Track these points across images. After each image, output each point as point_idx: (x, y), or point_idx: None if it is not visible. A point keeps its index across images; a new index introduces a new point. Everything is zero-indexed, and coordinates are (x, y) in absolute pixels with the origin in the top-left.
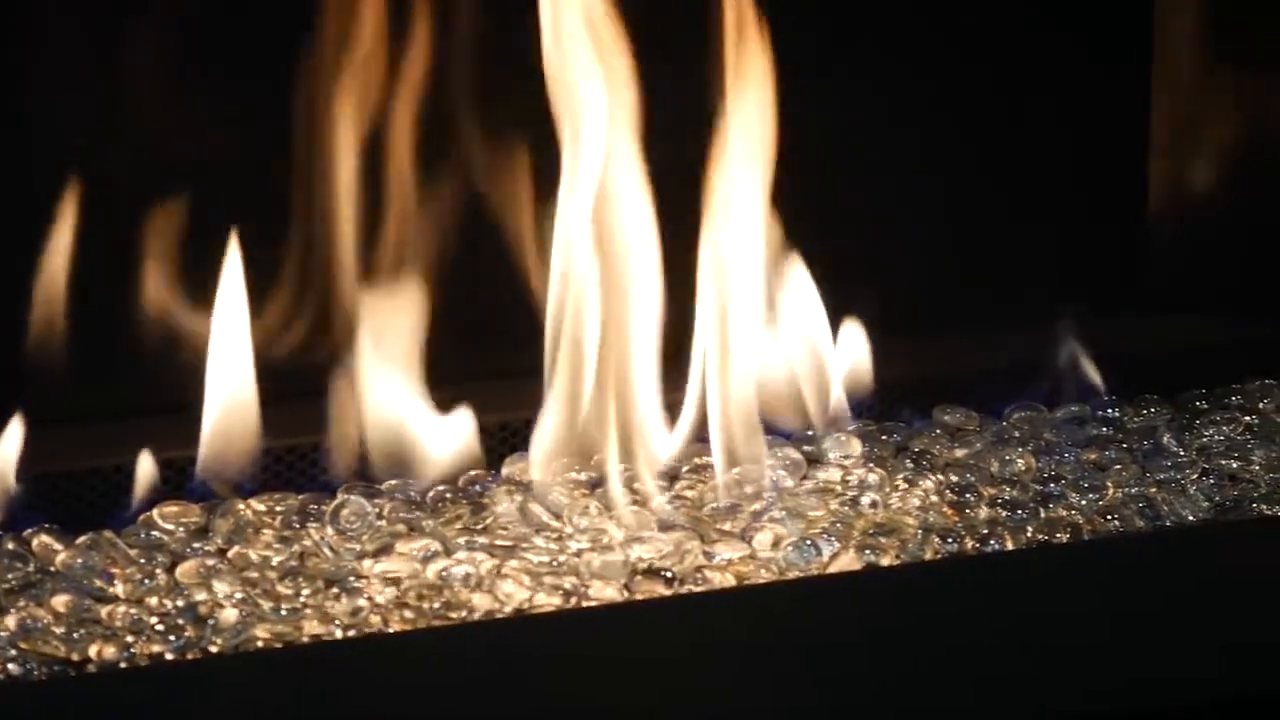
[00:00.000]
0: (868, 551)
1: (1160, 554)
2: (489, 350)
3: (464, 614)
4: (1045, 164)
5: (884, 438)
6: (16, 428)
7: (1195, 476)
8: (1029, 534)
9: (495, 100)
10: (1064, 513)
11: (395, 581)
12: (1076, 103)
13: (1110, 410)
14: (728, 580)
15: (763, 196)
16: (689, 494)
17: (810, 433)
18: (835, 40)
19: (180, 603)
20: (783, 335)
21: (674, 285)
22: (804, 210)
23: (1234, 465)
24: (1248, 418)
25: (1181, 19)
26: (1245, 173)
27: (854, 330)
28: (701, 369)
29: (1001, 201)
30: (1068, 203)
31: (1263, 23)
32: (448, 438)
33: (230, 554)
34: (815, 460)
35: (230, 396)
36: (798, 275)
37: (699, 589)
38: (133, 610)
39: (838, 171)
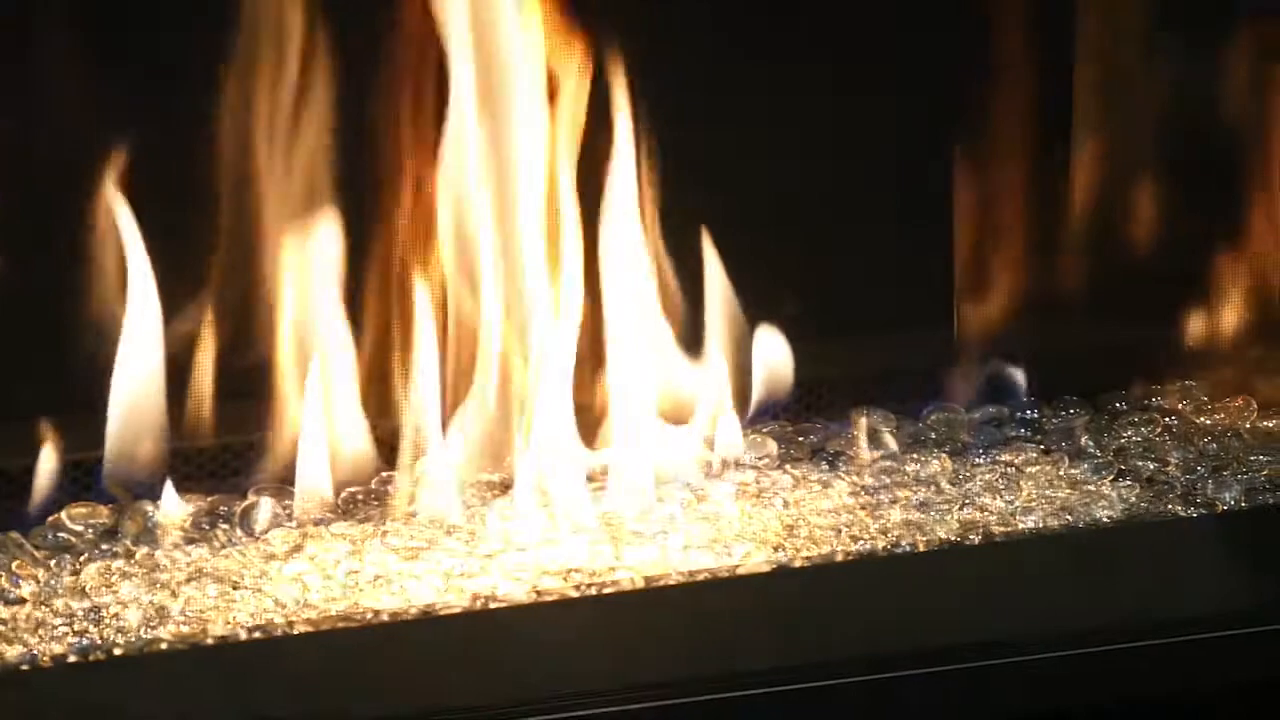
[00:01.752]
0: (778, 552)
1: (1073, 553)
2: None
3: (370, 614)
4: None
5: (800, 439)
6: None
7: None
8: (942, 536)
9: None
10: (977, 514)
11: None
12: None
13: (1029, 412)
14: (637, 581)
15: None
16: (600, 495)
17: (728, 434)
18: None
19: (86, 604)
20: (701, 339)
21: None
22: (721, 216)
23: (1151, 466)
24: (1167, 419)
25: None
26: (1164, 184)
27: (771, 332)
28: (613, 378)
29: (924, 208)
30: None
31: None
32: (354, 442)
33: (138, 556)
34: (732, 462)
35: (138, 396)
36: (715, 280)
37: (608, 590)
38: (37, 612)
39: (759, 183)
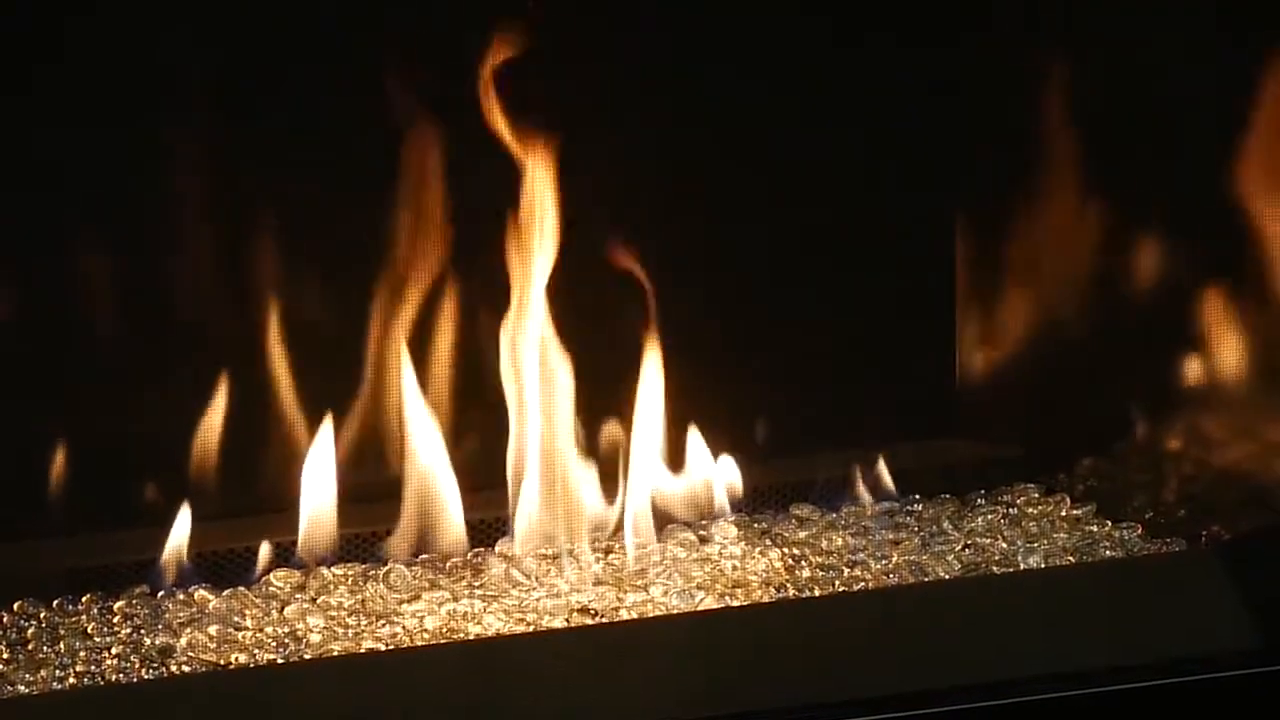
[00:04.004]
0: (725, 597)
1: (919, 599)
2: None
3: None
4: (874, 327)
5: (754, 525)
6: (185, 521)
7: (958, 549)
8: (834, 587)
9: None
10: (860, 572)
11: (421, 618)
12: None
13: (915, 506)
14: (633, 615)
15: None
16: (614, 561)
17: (704, 522)
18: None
19: (285, 629)
20: (684, 455)
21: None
22: (701, 365)
23: (986, 541)
24: (1008, 510)
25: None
26: (1028, 340)
27: (735, 450)
28: (621, 484)
29: (849, 353)
30: (896, 355)
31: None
32: (458, 526)
33: (318, 601)
34: (705, 540)
35: (317, 500)
36: (696, 412)
37: (615, 621)
38: (257, 635)
39: (725, 335)
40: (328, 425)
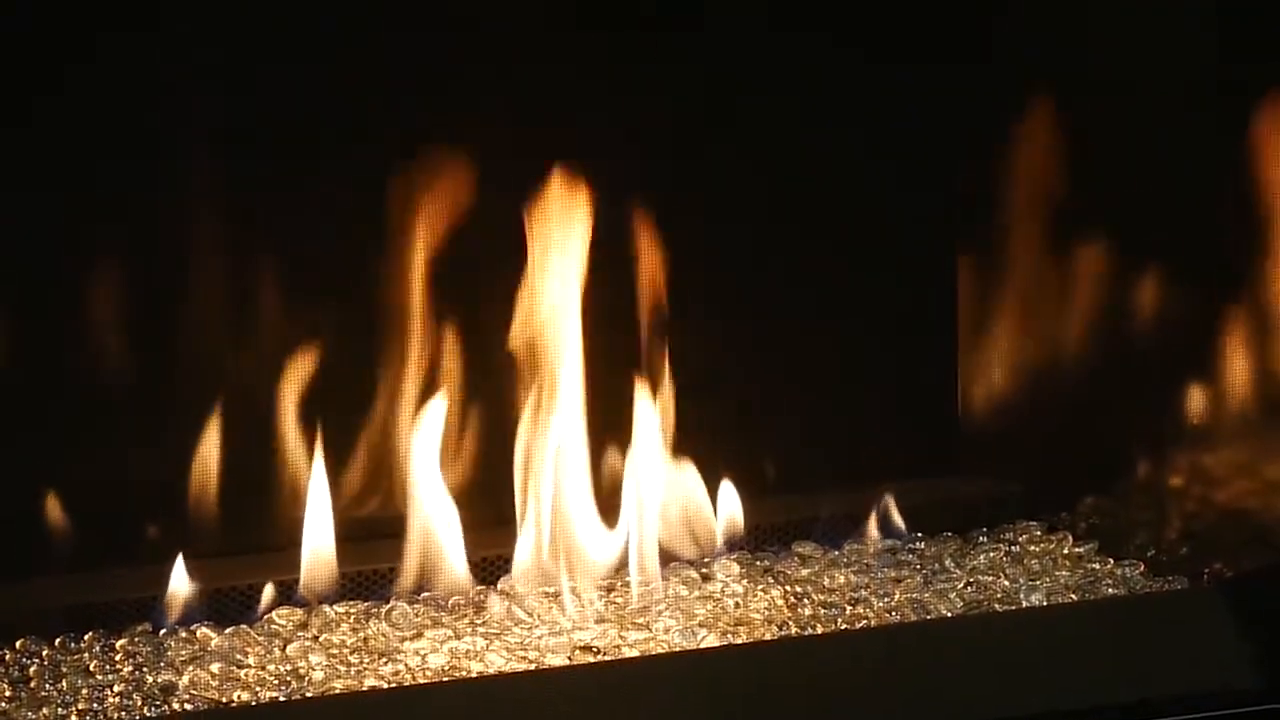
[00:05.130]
0: (728, 635)
1: (921, 637)
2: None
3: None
4: (876, 364)
5: (756, 563)
6: (186, 558)
7: (960, 586)
8: (837, 624)
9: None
10: (862, 610)
11: (423, 655)
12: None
13: (917, 543)
14: (635, 652)
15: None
16: (617, 599)
17: (706, 559)
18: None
19: (287, 667)
20: (687, 492)
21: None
22: (704, 403)
23: (988, 579)
24: (1011, 547)
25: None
26: (1030, 377)
27: (734, 489)
28: (626, 521)
29: (852, 390)
30: (899, 392)
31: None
32: (461, 564)
33: (321, 639)
34: (707, 577)
35: (319, 538)
36: (699, 451)
37: (618, 659)
38: (260, 672)
39: (727, 378)
40: (329, 463)
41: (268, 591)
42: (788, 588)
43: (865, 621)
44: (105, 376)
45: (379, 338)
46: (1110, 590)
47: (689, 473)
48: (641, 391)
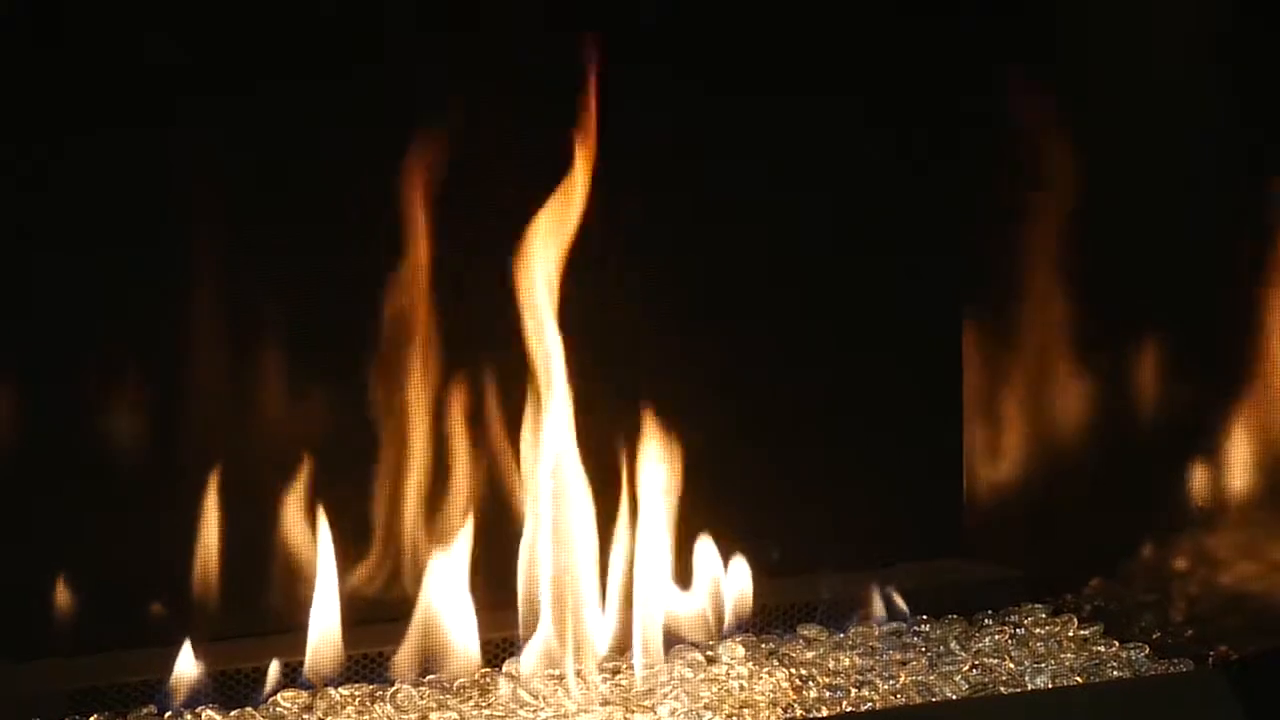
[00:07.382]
0: (732, 718)
1: (927, 719)
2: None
3: None
4: (881, 449)
5: (761, 645)
6: (192, 641)
7: (965, 669)
8: (842, 707)
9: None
10: (867, 692)
11: None
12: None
13: (922, 626)
14: None
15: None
16: (621, 681)
17: (710, 642)
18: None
19: None
20: (692, 578)
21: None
22: (709, 486)
23: (993, 661)
24: (1016, 630)
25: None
26: (1034, 461)
27: (742, 571)
28: (629, 604)
29: (857, 474)
30: (903, 476)
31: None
32: (467, 646)
33: None
34: (712, 660)
35: (324, 620)
36: (703, 539)
37: None
38: None
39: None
40: (336, 545)
41: (273, 673)
42: (793, 670)
43: (871, 704)
44: (111, 459)
45: (383, 421)
46: (1115, 672)
47: (694, 555)
48: (647, 474)
